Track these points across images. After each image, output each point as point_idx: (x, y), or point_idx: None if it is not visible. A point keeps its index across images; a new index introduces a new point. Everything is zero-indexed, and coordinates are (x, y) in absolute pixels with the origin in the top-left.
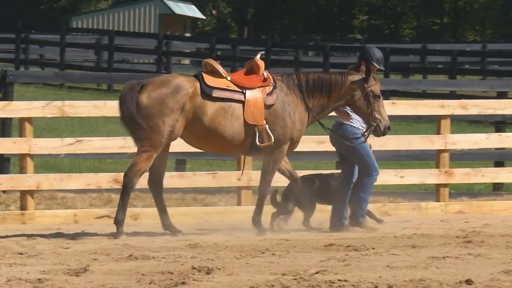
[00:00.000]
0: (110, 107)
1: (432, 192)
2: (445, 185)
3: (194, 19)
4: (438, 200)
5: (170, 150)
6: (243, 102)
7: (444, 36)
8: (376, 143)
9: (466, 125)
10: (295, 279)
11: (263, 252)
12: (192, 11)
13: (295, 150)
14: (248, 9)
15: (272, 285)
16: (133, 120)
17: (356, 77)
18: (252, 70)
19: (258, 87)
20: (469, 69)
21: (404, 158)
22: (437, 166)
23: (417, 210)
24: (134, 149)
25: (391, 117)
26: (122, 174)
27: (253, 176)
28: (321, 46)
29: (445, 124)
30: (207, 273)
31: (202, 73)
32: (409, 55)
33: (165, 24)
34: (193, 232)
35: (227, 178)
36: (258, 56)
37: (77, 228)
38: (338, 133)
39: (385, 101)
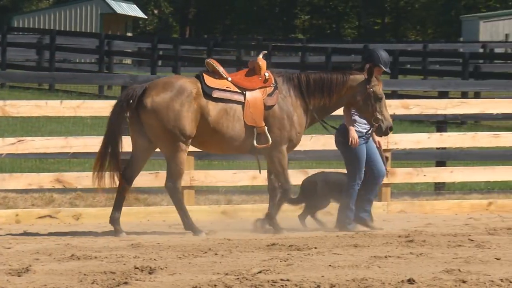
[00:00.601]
0: (51, 107)
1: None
2: (387, 185)
3: (136, 19)
4: (380, 200)
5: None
6: (243, 103)
7: (386, 36)
8: (318, 143)
9: (407, 124)
10: (237, 278)
11: (206, 252)
12: (134, 11)
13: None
14: (190, 8)
15: (215, 285)
16: (149, 127)
17: (358, 77)
18: (254, 70)
19: (258, 88)
20: (410, 69)
21: (341, 158)
22: None
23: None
24: (76, 148)
25: (333, 117)
26: (64, 173)
27: (195, 176)
28: (263, 45)
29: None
30: (150, 273)
31: (204, 73)
32: (351, 55)
33: (106, 24)
34: (135, 232)
35: None
36: (261, 56)
37: (19, 228)
38: (343, 134)
39: None
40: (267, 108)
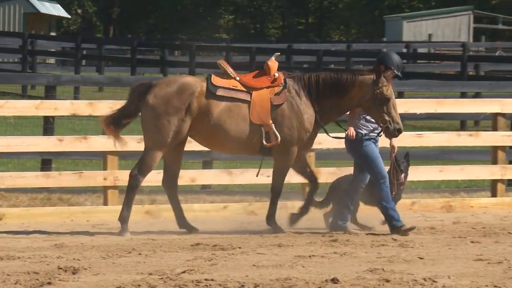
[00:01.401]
0: None
1: (299, 191)
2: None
3: (59, 18)
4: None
5: (33, 150)
6: (249, 102)
7: (309, 35)
8: None
9: (333, 124)
10: (161, 278)
11: (130, 252)
12: (58, 10)
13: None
14: (114, 8)
15: (139, 285)
16: (143, 119)
17: (367, 78)
18: (264, 71)
19: (266, 87)
20: (334, 69)
21: (269, 158)
22: None
23: (284, 209)
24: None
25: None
26: None
27: (119, 176)
28: (187, 45)
29: None
30: (73, 273)
31: (212, 74)
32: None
33: (30, 23)
34: (59, 232)
35: (93, 178)
36: (273, 57)
37: None
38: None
39: None
40: (275, 107)
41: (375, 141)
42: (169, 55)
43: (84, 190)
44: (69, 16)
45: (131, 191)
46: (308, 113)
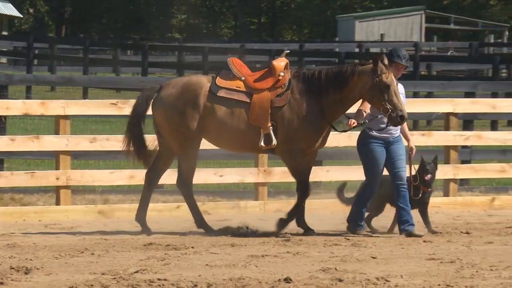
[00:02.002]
0: None
1: (251, 191)
2: (263, 184)
3: (11, 18)
4: (257, 199)
5: None
6: (249, 104)
7: (262, 35)
8: (204, 142)
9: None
10: (114, 278)
11: (82, 252)
12: (9, 10)
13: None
14: (66, 7)
15: (92, 285)
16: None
17: (366, 67)
18: (271, 71)
19: (267, 89)
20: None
21: (223, 157)
22: (256, 165)
23: (236, 209)
24: None
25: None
26: None
27: (72, 176)
28: (139, 45)
29: None
30: (26, 273)
31: (220, 73)
32: (228, 54)
33: None
34: (11, 232)
35: (46, 177)
36: (283, 55)
37: None
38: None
39: None
40: (276, 109)
41: (389, 142)
42: (122, 54)
43: (36, 190)
44: (21, 16)
45: (189, 199)
46: (312, 112)
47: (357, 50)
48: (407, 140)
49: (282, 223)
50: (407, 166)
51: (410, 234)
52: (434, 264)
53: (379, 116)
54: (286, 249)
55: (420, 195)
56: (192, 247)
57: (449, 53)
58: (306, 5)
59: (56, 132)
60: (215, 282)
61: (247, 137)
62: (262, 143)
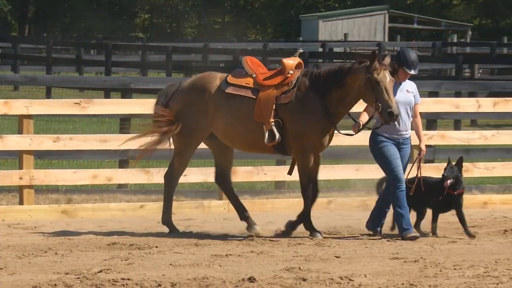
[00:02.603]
0: None
1: (215, 191)
2: None
3: None
4: (221, 199)
5: None
6: (255, 101)
7: (226, 35)
8: None
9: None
10: (78, 278)
11: (46, 252)
12: None
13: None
14: (29, 7)
15: (55, 285)
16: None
17: (362, 65)
18: (281, 69)
19: (274, 86)
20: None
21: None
22: None
23: (200, 209)
24: None
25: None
26: None
27: (35, 175)
28: (103, 44)
29: None
30: None
31: (234, 71)
32: (191, 54)
33: None
34: None
35: (9, 177)
36: (296, 54)
37: None
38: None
39: None
40: (281, 106)
41: (399, 143)
42: (85, 54)
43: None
44: None
45: (167, 193)
46: (316, 110)
47: (320, 49)
48: (419, 139)
49: (291, 225)
50: (415, 166)
51: (404, 237)
52: (397, 263)
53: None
54: (250, 249)
55: (441, 197)
56: (156, 247)
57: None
58: (269, 5)
59: (20, 131)
60: (179, 282)
61: (254, 135)
62: (265, 140)
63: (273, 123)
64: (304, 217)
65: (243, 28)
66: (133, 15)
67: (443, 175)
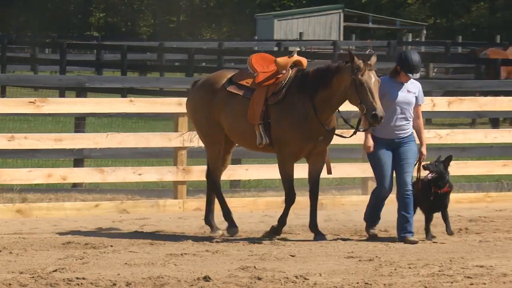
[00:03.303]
0: None
1: (170, 190)
2: (182, 182)
3: None
4: (176, 198)
5: None
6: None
7: (181, 34)
8: (113, 141)
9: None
10: (32, 277)
11: (0, 251)
12: None
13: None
14: None
15: (10, 284)
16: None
17: (347, 66)
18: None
19: (267, 86)
20: (206, 67)
21: (142, 156)
22: (175, 163)
23: (156, 208)
24: None
25: (129, 115)
26: None
27: None
28: (57, 43)
29: (183, 121)
30: None
31: (242, 69)
32: (146, 53)
33: None
34: None
35: None
36: (293, 53)
37: None
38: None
39: (122, 99)
40: (270, 106)
41: (395, 143)
42: (40, 52)
43: None
44: None
45: (210, 192)
46: (299, 114)
47: (276, 48)
48: (420, 143)
49: (275, 230)
50: (415, 170)
51: (406, 241)
52: (352, 262)
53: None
54: (205, 248)
55: (432, 197)
56: (111, 246)
57: (367, 52)
58: (225, 4)
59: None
60: (134, 281)
61: (252, 135)
62: (257, 141)
63: (261, 125)
64: (285, 220)
65: (198, 27)
66: (88, 14)
67: (424, 166)
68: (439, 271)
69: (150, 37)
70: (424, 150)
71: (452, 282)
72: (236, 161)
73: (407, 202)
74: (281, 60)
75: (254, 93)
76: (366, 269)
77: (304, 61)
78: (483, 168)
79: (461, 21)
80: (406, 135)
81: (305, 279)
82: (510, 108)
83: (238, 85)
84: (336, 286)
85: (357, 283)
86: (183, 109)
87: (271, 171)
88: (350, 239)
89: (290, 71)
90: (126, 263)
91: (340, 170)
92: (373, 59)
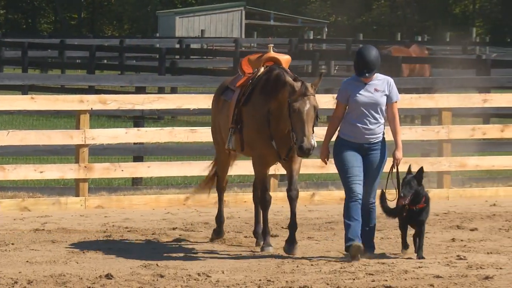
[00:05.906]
0: None
1: (72, 187)
2: (84, 180)
3: None
4: (78, 195)
5: None
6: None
7: (82, 31)
8: (15, 138)
9: (105, 119)
10: None
11: None
12: None
13: None
14: None
15: None
16: None
17: (291, 84)
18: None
19: (240, 87)
20: (107, 64)
21: (43, 153)
22: (77, 161)
23: (57, 205)
24: None
25: (30, 112)
26: None
27: None
28: None
29: (84, 119)
30: None
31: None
32: (48, 49)
33: None
34: None
35: None
36: (269, 49)
37: None
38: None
39: (23, 96)
40: (240, 109)
41: (364, 148)
42: None
43: None
44: None
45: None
46: (260, 113)
47: (177, 46)
48: (395, 145)
49: (264, 241)
50: (390, 177)
51: (348, 249)
52: (255, 260)
53: (347, 117)
54: (107, 245)
55: (404, 213)
56: (12, 244)
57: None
58: (126, 0)
59: None
60: (35, 279)
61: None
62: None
63: (232, 128)
64: (266, 223)
65: (99, 24)
66: None
67: (399, 193)
68: (341, 268)
69: (51, 34)
70: (399, 154)
71: (354, 279)
72: (138, 159)
73: (351, 207)
74: (253, 57)
75: (233, 96)
76: (269, 266)
77: (281, 57)
78: None
79: (362, 19)
80: (376, 141)
81: (208, 276)
82: (411, 106)
83: (229, 89)
84: (239, 283)
85: (260, 280)
86: (84, 106)
87: (173, 169)
88: (252, 237)
89: (261, 70)
90: (27, 261)
91: (242, 167)
92: (316, 81)
